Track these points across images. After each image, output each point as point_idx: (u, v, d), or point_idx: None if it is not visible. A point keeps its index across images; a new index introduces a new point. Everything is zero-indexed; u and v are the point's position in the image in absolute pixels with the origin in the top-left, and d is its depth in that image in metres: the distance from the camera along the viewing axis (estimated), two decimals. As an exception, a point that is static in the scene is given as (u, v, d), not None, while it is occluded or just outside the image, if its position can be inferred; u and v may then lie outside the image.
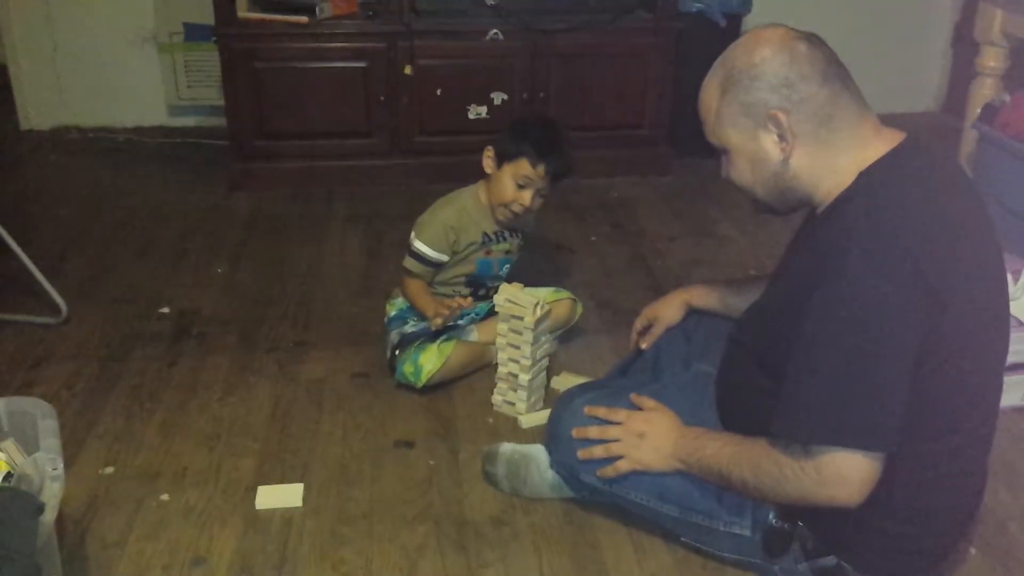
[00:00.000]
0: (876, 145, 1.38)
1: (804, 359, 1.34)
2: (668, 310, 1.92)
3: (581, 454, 1.65)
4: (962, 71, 3.96)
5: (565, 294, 2.33)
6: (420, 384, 2.11)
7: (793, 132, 1.38)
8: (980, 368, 1.39)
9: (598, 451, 1.63)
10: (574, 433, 1.67)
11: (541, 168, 2.10)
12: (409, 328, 2.20)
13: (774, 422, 1.37)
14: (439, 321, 2.10)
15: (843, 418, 1.30)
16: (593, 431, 1.65)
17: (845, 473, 1.32)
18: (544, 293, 2.21)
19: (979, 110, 2.86)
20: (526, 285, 2.08)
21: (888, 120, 1.44)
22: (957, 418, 1.39)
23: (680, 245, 3.01)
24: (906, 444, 1.35)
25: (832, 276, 1.30)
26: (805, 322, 1.33)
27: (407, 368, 2.12)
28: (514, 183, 2.12)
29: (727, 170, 1.50)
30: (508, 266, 2.29)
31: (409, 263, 2.20)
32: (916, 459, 1.39)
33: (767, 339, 1.49)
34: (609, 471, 1.62)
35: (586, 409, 1.69)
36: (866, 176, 1.36)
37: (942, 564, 1.56)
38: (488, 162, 2.18)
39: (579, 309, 2.35)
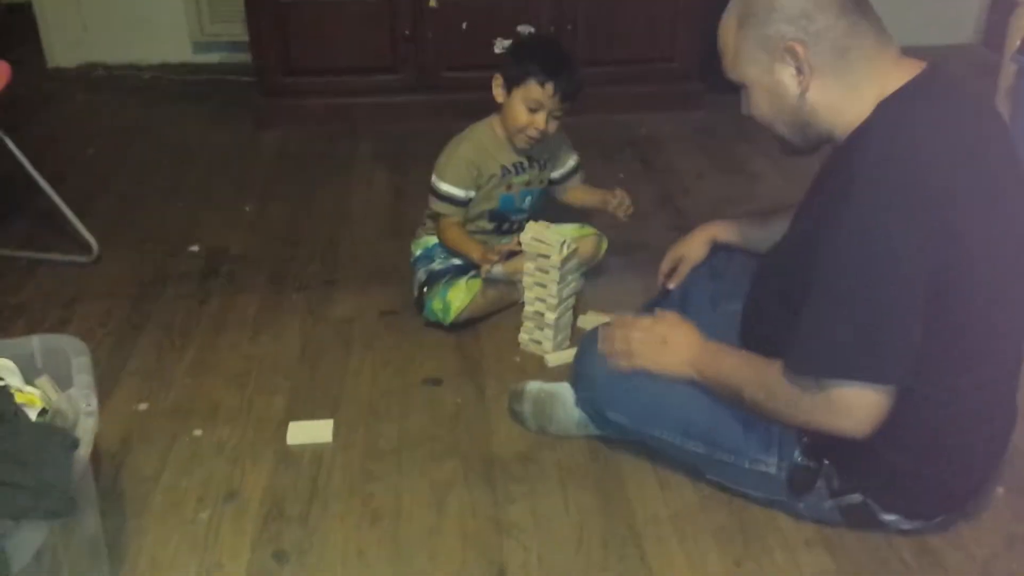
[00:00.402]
0: (897, 75, 1.36)
1: (815, 292, 1.34)
2: (693, 248, 1.91)
3: (601, 347, 1.66)
4: (1001, 3, 3.83)
5: (591, 230, 2.31)
6: (449, 320, 2.11)
7: (810, 64, 1.37)
8: (1005, 302, 1.37)
9: (618, 343, 1.64)
10: (600, 335, 1.68)
11: (550, 88, 2.07)
12: (436, 266, 2.20)
13: (788, 354, 1.38)
14: (487, 268, 2.09)
15: (851, 352, 1.31)
16: (618, 335, 1.65)
17: (854, 405, 1.34)
18: (569, 229, 2.20)
19: (1019, 42, 2.77)
20: (551, 222, 2.07)
21: (927, 53, 1.40)
22: (981, 353, 1.38)
23: (709, 183, 2.97)
24: (929, 379, 1.35)
25: (839, 207, 1.30)
26: (818, 255, 1.33)
27: (436, 305, 2.12)
28: (525, 107, 2.10)
29: (747, 106, 1.49)
30: (530, 198, 2.27)
31: (440, 207, 2.18)
32: (940, 395, 1.39)
33: (788, 275, 1.48)
34: (624, 363, 1.63)
35: (614, 318, 1.72)
36: (884, 106, 1.35)
37: (969, 503, 1.56)
38: (498, 90, 2.15)
39: (604, 245, 2.34)
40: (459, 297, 2.12)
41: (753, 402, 1.47)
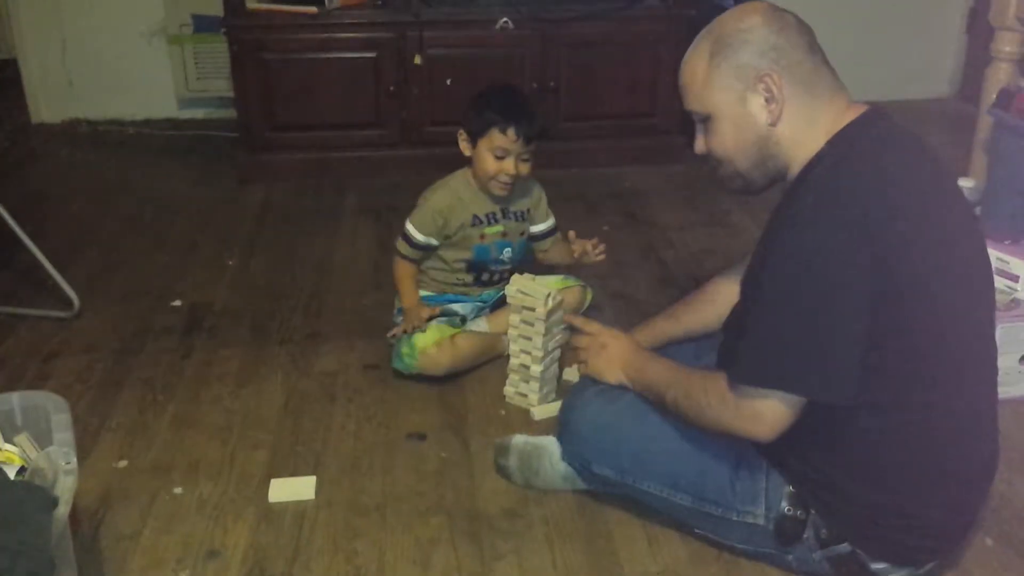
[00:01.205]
0: (847, 115, 1.43)
1: (759, 305, 1.39)
2: None
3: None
4: (977, 56, 3.92)
5: (575, 282, 2.32)
6: (414, 364, 2.10)
7: (783, 95, 1.41)
8: (956, 330, 1.39)
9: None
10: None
11: (512, 133, 2.10)
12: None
13: (734, 368, 1.41)
14: (406, 328, 2.13)
15: (776, 363, 1.35)
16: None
17: (760, 411, 1.38)
18: (553, 281, 2.20)
19: (995, 96, 2.83)
20: (534, 274, 2.07)
21: (903, 107, 1.44)
22: (948, 386, 1.40)
23: (692, 235, 2.99)
24: (901, 413, 1.38)
25: (784, 227, 1.36)
26: (763, 272, 1.38)
27: (404, 350, 2.12)
28: (492, 155, 2.13)
29: (705, 143, 1.52)
30: (509, 250, 2.28)
31: (399, 244, 2.23)
32: (913, 429, 1.40)
33: (741, 305, 1.54)
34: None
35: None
36: (833, 142, 1.41)
37: (956, 548, 1.56)
38: (464, 145, 2.19)
39: (589, 296, 2.35)
40: (424, 338, 2.11)
41: (674, 403, 1.52)
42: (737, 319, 1.57)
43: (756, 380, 1.38)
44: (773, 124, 1.43)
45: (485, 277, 2.28)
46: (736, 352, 1.41)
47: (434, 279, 2.27)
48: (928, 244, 1.35)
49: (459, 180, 2.24)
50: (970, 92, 3.92)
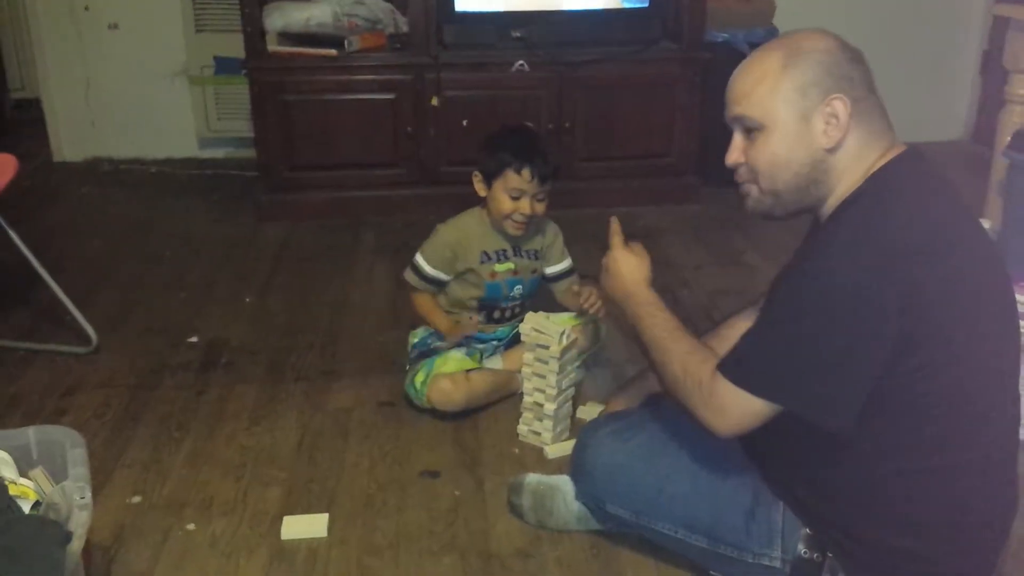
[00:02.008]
0: (888, 155, 1.41)
1: (768, 316, 1.39)
2: (627, 404, 1.95)
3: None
4: (991, 99, 3.93)
5: (589, 319, 2.32)
6: (426, 397, 2.11)
7: (847, 122, 1.38)
8: (978, 377, 1.38)
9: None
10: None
11: (526, 173, 2.11)
12: (432, 345, 2.22)
13: (722, 362, 1.41)
14: (454, 339, 2.15)
15: (774, 373, 1.35)
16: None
17: (728, 408, 1.38)
18: (567, 318, 2.21)
19: (1009, 138, 2.83)
20: (548, 312, 2.08)
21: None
22: (970, 431, 1.38)
23: (707, 274, 2.99)
24: (923, 457, 1.37)
25: (815, 255, 1.34)
26: (781, 289, 1.38)
27: (417, 378, 2.13)
28: (507, 196, 2.14)
29: (743, 153, 1.46)
30: (520, 287, 2.28)
31: (408, 275, 2.25)
32: (938, 474, 1.38)
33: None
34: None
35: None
36: (871, 180, 1.40)
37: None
38: (479, 186, 2.21)
39: (604, 330, 2.34)
40: (448, 364, 2.13)
41: (655, 363, 1.53)
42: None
43: (747, 383, 1.37)
44: (830, 150, 1.40)
45: (496, 315, 2.28)
46: (735, 350, 1.40)
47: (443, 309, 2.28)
48: (957, 290, 1.33)
49: (473, 216, 2.26)
50: (984, 135, 3.92)
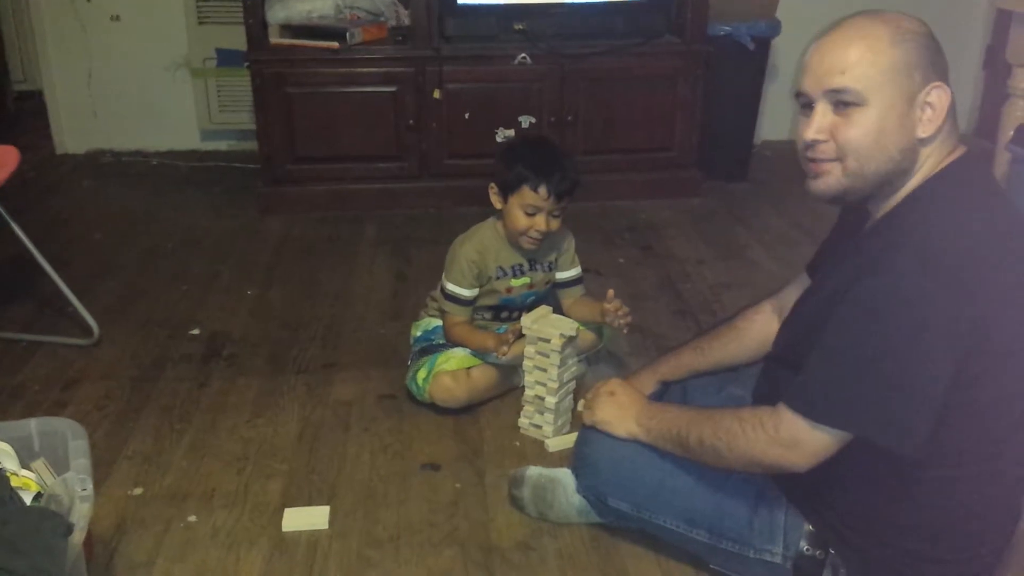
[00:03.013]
0: (951, 155, 1.37)
1: (835, 341, 1.32)
2: (643, 387, 1.86)
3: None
4: (994, 93, 3.91)
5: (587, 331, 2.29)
6: (427, 392, 2.10)
7: (945, 114, 1.33)
8: (1018, 389, 1.36)
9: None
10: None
11: (544, 191, 2.06)
12: (436, 341, 2.21)
13: (788, 394, 1.36)
14: (505, 349, 2.06)
15: (846, 401, 1.30)
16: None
17: (801, 439, 1.34)
18: (569, 322, 2.19)
19: (1012, 132, 2.83)
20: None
21: (919, 142, 1.42)
22: (1002, 441, 1.37)
23: (709, 268, 2.99)
24: (948, 466, 1.34)
25: (880, 268, 1.28)
26: (842, 307, 1.30)
27: (419, 374, 2.12)
28: (523, 212, 2.09)
29: (826, 128, 1.35)
30: (533, 298, 2.26)
31: (447, 305, 2.18)
32: (956, 482, 1.37)
33: (806, 343, 1.41)
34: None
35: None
36: (933, 182, 1.35)
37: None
38: (495, 198, 2.15)
39: (606, 333, 2.33)
40: (450, 361, 2.11)
41: (698, 441, 1.48)
42: (789, 349, 1.51)
43: (818, 414, 1.32)
44: (922, 140, 1.33)
45: (504, 315, 2.28)
46: (798, 383, 1.35)
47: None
48: (1018, 303, 1.30)
49: (488, 229, 2.21)
50: (987, 129, 3.91)
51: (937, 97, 1.32)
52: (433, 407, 2.14)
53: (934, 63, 1.33)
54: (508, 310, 2.27)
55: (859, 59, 1.31)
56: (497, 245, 2.19)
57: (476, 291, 2.18)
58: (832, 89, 1.33)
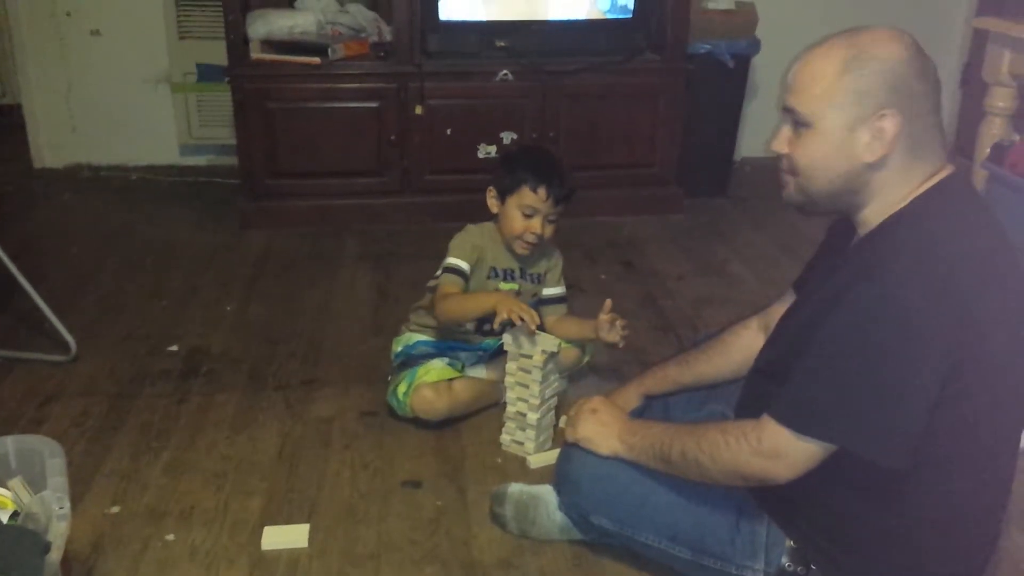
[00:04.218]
0: (935, 176, 1.37)
1: (821, 351, 1.32)
2: (627, 401, 1.88)
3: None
4: (971, 111, 3.96)
5: (569, 348, 2.28)
6: (409, 405, 2.09)
7: (893, 141, 1.33)
8: (1009, 404, 1.37)
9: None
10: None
11: (543, 192, 2.11)
12: (416, 353, 2.20)
13: (773, 405, 1.37)
14: (513, 308, 1.96)
15: (830, 413, 1.31)
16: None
17: (783, 451, 1.35)
18: (551, 339, 2.19)
19: (988, 150, 2.86)
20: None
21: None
22: (985, 454, 1.38)
23: (690, 284, 3.00)
24: (933, 478, 1.35)
25: (869, 282, 1.28)
26: (830, 317, 1.31)
27: (399, 388, 2.12)
28: (521, 214, 2.14)
29: (793, 146, 1.40)
30: None
31: (443, 279, 2.15)
32: (941, 494, 1.38)
33: (790, 357, 1.41)
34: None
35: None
36: (919, 201, 1.36)
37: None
38: (492, 202, 2.19)
39: (586, 359, 2.33)
40: (430, 373, 2.10)
41: (681, 454, 1.48)
42: (773, 362, 1.52)
43: (802, 425, 1.33)
44: (871, 165, 1.35)
45: (487, 327, 2.28)
46: (782, 394, 1.36)
47: (436, 327, 2.27)
48: (1003, 320, 1.31)
49: (486, 230, 2.24)
50: (964, 146, 3.95)
51: (884, 125, 1.32)
52: (415, 422, 2.13)
53: (893, 88, 1.32)
54: (490, 323, 2.26)
55: (808, 82, 1.36)
56: (494, 245, 2.22)
57: (469, 268, 2.18)
58: (786, 108, 1.40)
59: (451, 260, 2.18)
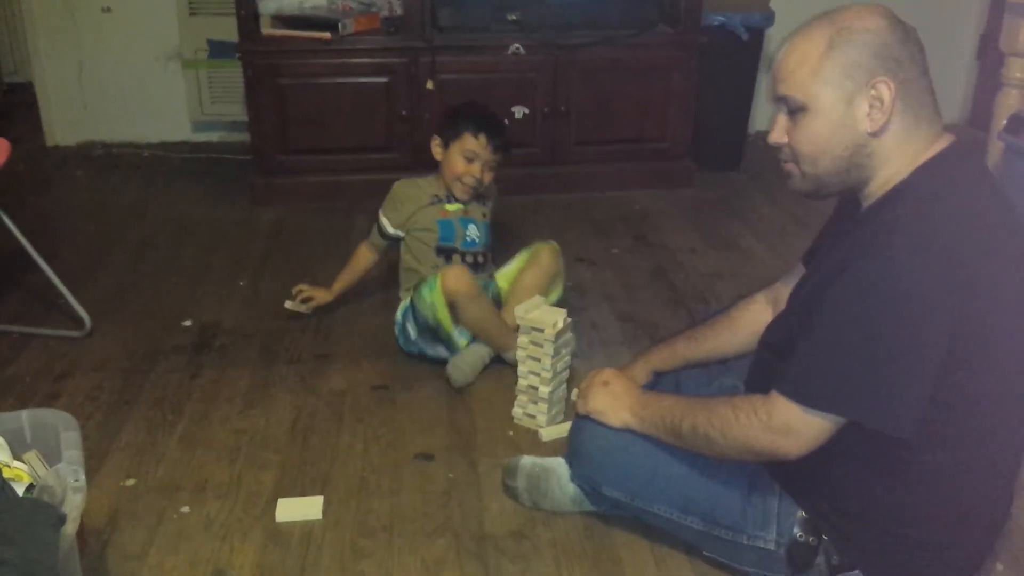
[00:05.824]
0: (937, 145, 1.37)
1: (825, 325, 1.32)
2: (636, 378, 1.86)
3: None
4: (987, 82, 3.92)
5: (543, 244, 2.40)
6: (437, 288, 2.15)
7: (891, 106, 1.33)
8: (1020, 373, 1.36)
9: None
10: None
11: (483, 138, 2.32)
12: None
13: (781, 381, 1.37)
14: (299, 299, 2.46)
15: (837, 385, 1.31)
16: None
17: (794, 425, 1.35)
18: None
19: (1005, 121, 2.83)
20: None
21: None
22: (993, 426, 1.38)
23: (702, 258, 2.99)
24: (940, 451, 1.35)
25: (872, 254, 1.29)
26: (833, 290, 1.31)
27: (423, 289, 2.19)
28: (463, 158, 2.33)
29: (786, 133, 1.41)
30: (474, 226, 2.39)
31: (373, 232, 2.46)
32: (948, 467, 1.38)
33: (799, 331, 1.41)
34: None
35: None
36: (921, 172, 1.35)
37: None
38: (436, 149, 2.41)
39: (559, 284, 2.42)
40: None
41: (692, 429, 1.48)
42: (783, 336, 1.51)
43: (810, 400, 1.33)
44: (874, 134, 1.35)
45: (455, 259, 2.32)
46: (789, 369, 1.36)
47: (413, 279, 2.34)
48: (1007, 291, 1.31)
49: (426, 178, 2.44)
50: (980, 118, 3.92)
51: (880, 92, 1.33)
52: (425, 398, 2.14)
53: (881, 57, 1.33)
54: (458, 252, 2.37)
55: (795, 67, 1.37)
56: (434, 184, 2.42)
57: (400, 233, 2.41)
58: (778, 97, 1.41)
59: (383, 220, 2.43)
